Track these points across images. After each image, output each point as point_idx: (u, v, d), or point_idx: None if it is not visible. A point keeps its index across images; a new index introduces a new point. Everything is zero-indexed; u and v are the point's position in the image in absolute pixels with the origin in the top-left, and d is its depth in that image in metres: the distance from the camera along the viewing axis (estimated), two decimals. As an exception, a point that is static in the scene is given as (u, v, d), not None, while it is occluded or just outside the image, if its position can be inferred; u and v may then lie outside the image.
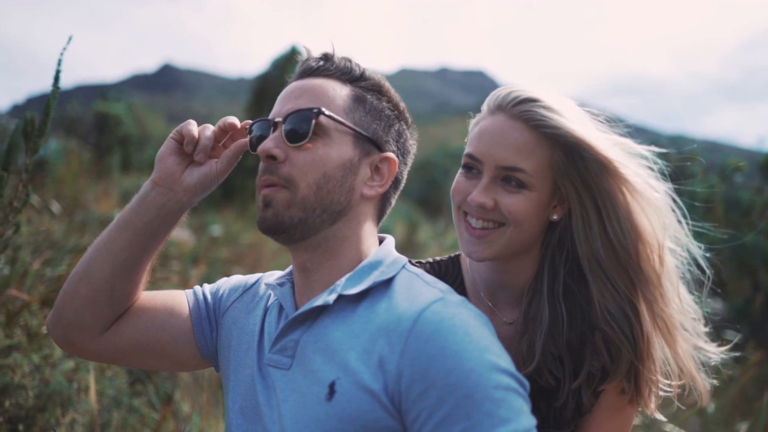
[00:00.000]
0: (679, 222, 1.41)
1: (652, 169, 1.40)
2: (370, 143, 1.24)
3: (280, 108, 1.25)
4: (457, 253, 1.57)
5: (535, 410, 1.21)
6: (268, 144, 1.20)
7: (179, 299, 1.38)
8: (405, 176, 1.35)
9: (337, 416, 1.08)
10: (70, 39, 2.17)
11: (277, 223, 1.19)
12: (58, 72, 2.16)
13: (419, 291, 1.16)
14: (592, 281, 1.34)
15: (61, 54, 2.14)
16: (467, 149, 1.39)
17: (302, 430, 1.11)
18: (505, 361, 1.07)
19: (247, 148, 1.29)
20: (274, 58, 16.12)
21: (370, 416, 1.07)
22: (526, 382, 1.09)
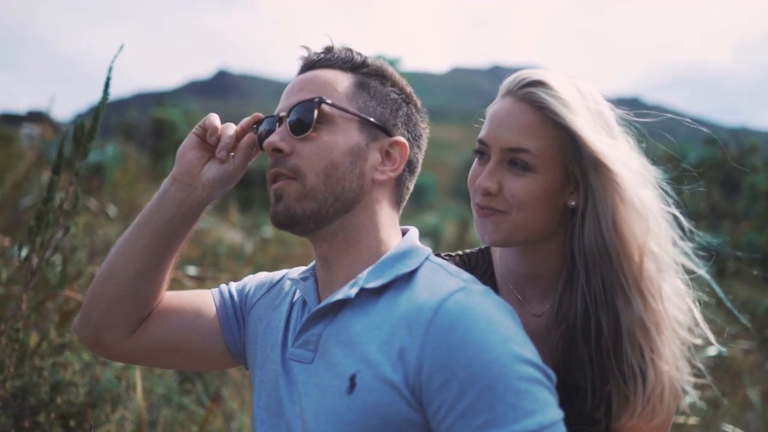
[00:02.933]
0: (680, 226, 1.33)
1: (648, 176, 1.33)
2: (376, 128, 1.23)
3: (283, 103, 1.25)
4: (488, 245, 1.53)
5: (566, 407, 1.15)
6: (273, 138, 1.20)
7: (206, 299, 1.38)
8: (420, 161, 1.33)
9: (357, 409, 1.06)
10: (121, 48, 2.21)
11: (289, 216, 1.19)
12: (108, 80, 2.21)
13: (441, 281, 1.14)
14: (591, 281, 1.29)
15: (112, 63, 2.19)
16: (479, 135, 1.37)
17: (323, 424, 1.09)
18: (529, 351, 1.03)
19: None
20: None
21: (390, 409, 1.04)
22: (553, 374, 1.05)
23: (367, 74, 1.26)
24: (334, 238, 1.22)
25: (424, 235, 15.80)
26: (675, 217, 1.33)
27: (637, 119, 1.39)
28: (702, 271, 1.34)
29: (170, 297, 1.36)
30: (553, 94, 1.29)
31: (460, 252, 1.54)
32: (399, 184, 1.28)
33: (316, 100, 1.18)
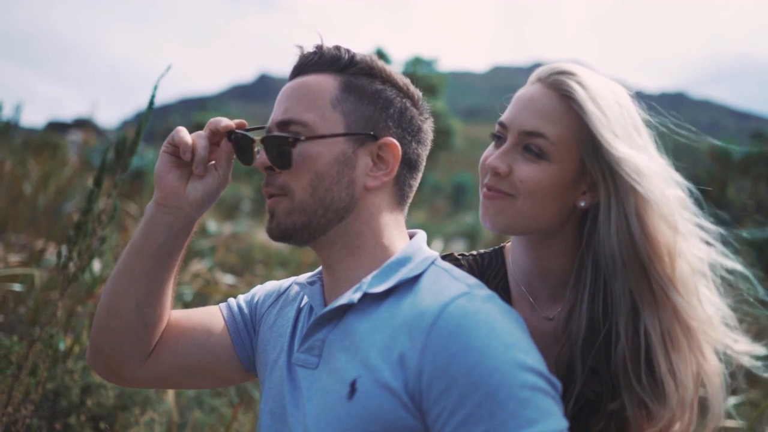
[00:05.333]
0: (702, 227, 1.29)
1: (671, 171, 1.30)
2: (363, 132, 1.20)
3: (274, 113, 1.23)
4: (502, 244, 1.51)
5: (576, 423, 1.12)
6: (263, 157, 1.19)
7: (215, 316, 1.38)
8: (423, 155, 1.29)
9: (357, 415, 1.05)
10: (168, 68, 2.25)
11: (281, 231, 1.19)
12: (152, 96, 2.26)
13: (445, 286, 1.12)
14: (608, 289, 1.25)
15: (158, 81, 2.23)
16: (500, 118, 1.34)
17: (323, 429, 1.08)
18: (533, 358, 1.01)
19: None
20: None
21: (390, 415, 1.03)
22: (558, 383, 1.02)
23: (355, 73, 1.22)
24: (332, 246, 1.21)
25: (461, 235, 15.69)
26: (703, 214, 1.30)
27: (662, 122, 1.35)
28: (741, 268, 1.30)
29: (180, 318, 1.35)
30: (583, 85, 1.27)
31: (474, 252, 1.51)
32: (398, 184, 1.25)
33: (290, 139, 1.15)
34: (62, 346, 2.71)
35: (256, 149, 1.23)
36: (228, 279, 5.20)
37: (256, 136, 1.23)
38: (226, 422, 3.16)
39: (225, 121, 1.24)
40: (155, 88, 2.21)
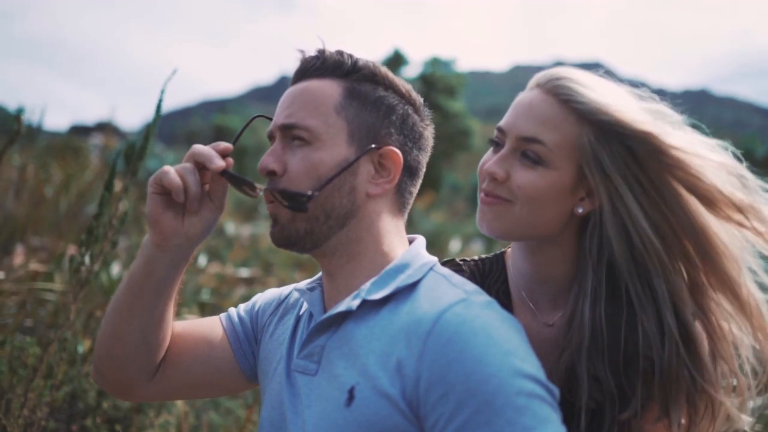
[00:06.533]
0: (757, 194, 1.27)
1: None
2: (367, 139, 1.19)
3: (277, 116, 1.22)
4: (503, 249, 1.50)
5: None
6: (265, 159, 1.18)
7: (215, 329, 1.38)
8: (423, 162, 1.29)
9: (355, 422, 1.05)
10: (174, 72, 2.27)
11: (284, 237, 1.19)
12: (159, 101, 2.28)
13: (443, 292, 1.11)
14: (632, 292, 1.24)
15: (164, 86, 2.24)
16: (498, 123, 1.34)
17: None
18: (531, 365, 1.00)
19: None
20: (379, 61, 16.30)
21: (388, 422, 1.03)
22: (556, 390, 1.02)
23: (358, 80, 1.21)
24: (333, 253, 1.21)
25: (480, 235, 15.62)
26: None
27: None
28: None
29: (181, 333, 1.35)
30: (581, 84, 1.26)
31: (475, 257, 1.51)
32: (399, 191, 1.25)
33: (304, 198, 1.13)
34: (80, 349, 2.75)
35: (258, 189, 1.19)
36: (244, 273, 5.23)
37: (262, 185, 1.19)
38: (241, 424, 3.18)
39: (216, 162, 1.16)
40: (162, 92, 2.23)
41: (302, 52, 1.25)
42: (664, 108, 1.31)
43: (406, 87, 1.26)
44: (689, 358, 1.22)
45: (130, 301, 1.23)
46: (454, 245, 11.41)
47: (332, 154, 1.17)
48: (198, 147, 1.18)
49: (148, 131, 2.47)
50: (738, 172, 1.27)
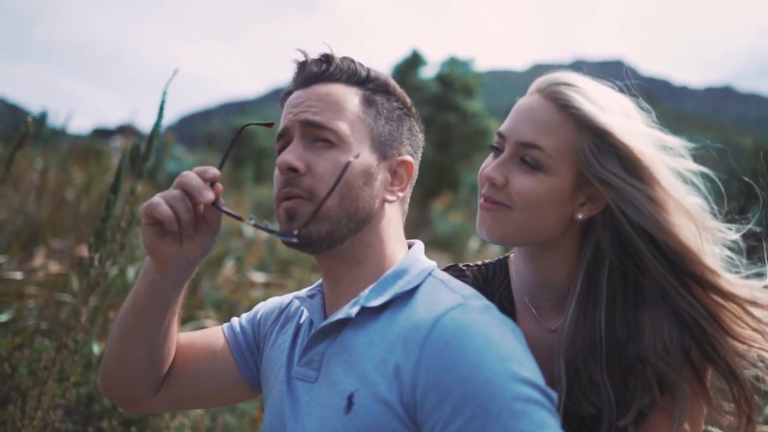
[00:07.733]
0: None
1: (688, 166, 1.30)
2: (385, 147, 1.22)
3: (294, 115, 1.19)
4: (506, 254, 1.50)
5: None
6: (287, 156, 1.16)
7: (217, 339, 1.39)
8: (417, 170, 1.31)
9: (355, 429, 1.05)
10: (175, 72, 2.28)
11: (304, 236, 1.15)
12: (162, 103, 2.29)
13: (440, 297, 1.11)
14: (665, 285, 1.23)
15: (165, 89, 2.25)
16: (498, 129, 1.35)
17: None
18: (528, 370, 1.00)
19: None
20: (395, 63, 16.30)
21: (386, 428, 1.03)
22: (554, 395, 1.01)
23: (374, 90, 1.23)
24: (342, 256, 1.21)
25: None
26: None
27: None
28: None
29: (184, 345, 1.36)
30: (580, 92, 1.26)
31: (479, 262, 1.51)
32: (404, 199, 1.29)
33: (294, 239, 1.13)
34: (96, 351, 2.77)
35: (251, 220, 1.15)
36: (260, 278, 5.25)
37: (250, 221, 1.15)
38: (256, 426, 3.19)
39: (204, 195, 1.13)
40: (164, 93, 2.23)
41: (305, 54, 1.25)
42: (661, 134, 1.32)
43: (409, 99, 1.30)
44: (718, 336, 1.22)
45: (135, 322, 1.24)
46: (473, 245, 11.37)
47: (359, 159, 1.17)
48: (186, 176, 1.15)
49: (152, 134, 2.48)
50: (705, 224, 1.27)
